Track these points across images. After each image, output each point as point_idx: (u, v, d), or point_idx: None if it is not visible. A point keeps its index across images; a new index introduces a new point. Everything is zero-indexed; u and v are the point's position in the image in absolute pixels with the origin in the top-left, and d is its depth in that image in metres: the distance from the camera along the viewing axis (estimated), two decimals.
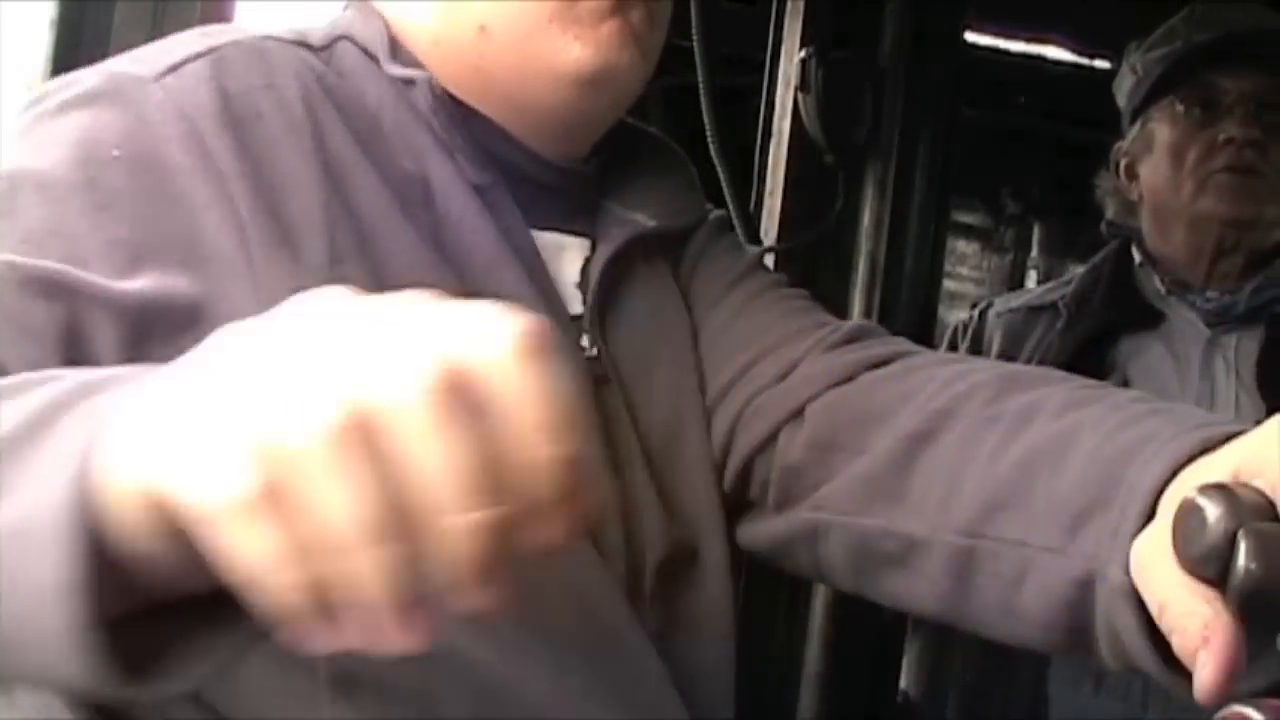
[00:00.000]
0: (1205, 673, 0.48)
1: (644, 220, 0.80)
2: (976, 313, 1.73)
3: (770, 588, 1.70)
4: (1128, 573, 0.55)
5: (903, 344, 0.81)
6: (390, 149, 0.69)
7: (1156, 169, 1.54)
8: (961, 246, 4.32)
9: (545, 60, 0.71)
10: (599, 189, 0.81)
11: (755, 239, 1.73)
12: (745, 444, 0.79)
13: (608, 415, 0.75)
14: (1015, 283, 4.31)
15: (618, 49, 0.72)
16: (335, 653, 0.60)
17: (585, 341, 0.75)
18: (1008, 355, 1.61)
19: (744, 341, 0.81)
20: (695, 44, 1.61)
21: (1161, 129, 1.53)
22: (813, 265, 1.76)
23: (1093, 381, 0.70)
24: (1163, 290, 1.54)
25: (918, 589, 0.70)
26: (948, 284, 4.14)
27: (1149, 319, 1.53)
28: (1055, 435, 0.64)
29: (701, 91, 1.64)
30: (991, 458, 0.66)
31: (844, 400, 0.76)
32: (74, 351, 0.56)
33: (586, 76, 0.72)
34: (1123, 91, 1.62)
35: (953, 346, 1.72)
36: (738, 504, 0.81)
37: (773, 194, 1.75)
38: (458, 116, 0.72)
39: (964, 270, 4.36)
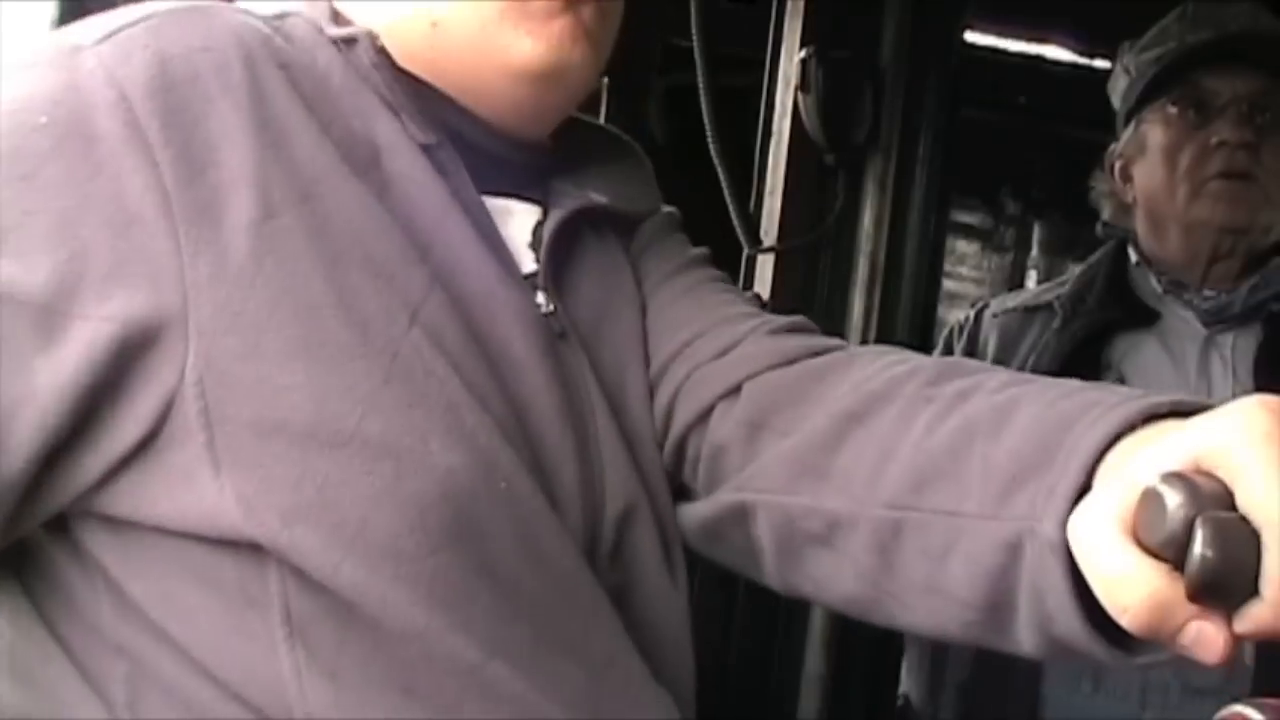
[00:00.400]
0: (1145, 603, 0.50)
1: (597, 196, 0.82)
2: (973, 313, 1.73)
3: (770, 589, 1.70)
4: (1062, 528, 0.55)
5: (842, 343, 0.82)
6: (338, 109, 0.69)
7: (1150, 172, 1.54)
8: (961, 246, 4.32)
9: (497, 55, 0.72)
10: (553, 169, 0.82)
11: (755, 239, 1.73)
12: (682, 418, 0.79)
13: (568, 369, 0.76)
14: (1015, 283, 4.31)
15: (569, 45, 0.73)
16: (284, 593, 0.62)
17: (541, 299, 0.76)
18: (1004, 355, 1.61)
19: (687, 319, 0.82)
20: (695, 44, 1.61)
21: (1154, 131, 1.53)
22: (813, 265, 1.77)
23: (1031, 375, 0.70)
24: (1159, 290, 1.54)
25: (840, 569, 0.70)
26: (948, 284, 4.15)
27: (1145, 318, 1.52)
28: (993, 407, 0.64)
29: (701, 91, 1.64)
30: (925, 432, 0.66)
31: (781, 382, 0.76)
32: None
33: (538, 71, 0.73)
34: (1117, 92, 1.62)
35: (948, 347, 1.72)
36: (673, 487, 0.82)
37: (773, 194, 1.75)
38: (402, 78, 0.72)
39: (964, 270, 4.37)
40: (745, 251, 1.73)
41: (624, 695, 0.72)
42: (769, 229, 1.74)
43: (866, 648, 1.76)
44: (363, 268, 0.65)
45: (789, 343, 0.79)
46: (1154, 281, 1.54)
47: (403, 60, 0.73)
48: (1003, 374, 0.68)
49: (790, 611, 1.74)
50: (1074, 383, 0.64)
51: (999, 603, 0.61)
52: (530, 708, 0.66)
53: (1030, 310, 1.64)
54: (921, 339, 1.82)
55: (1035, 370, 1.54)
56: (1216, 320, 1.49)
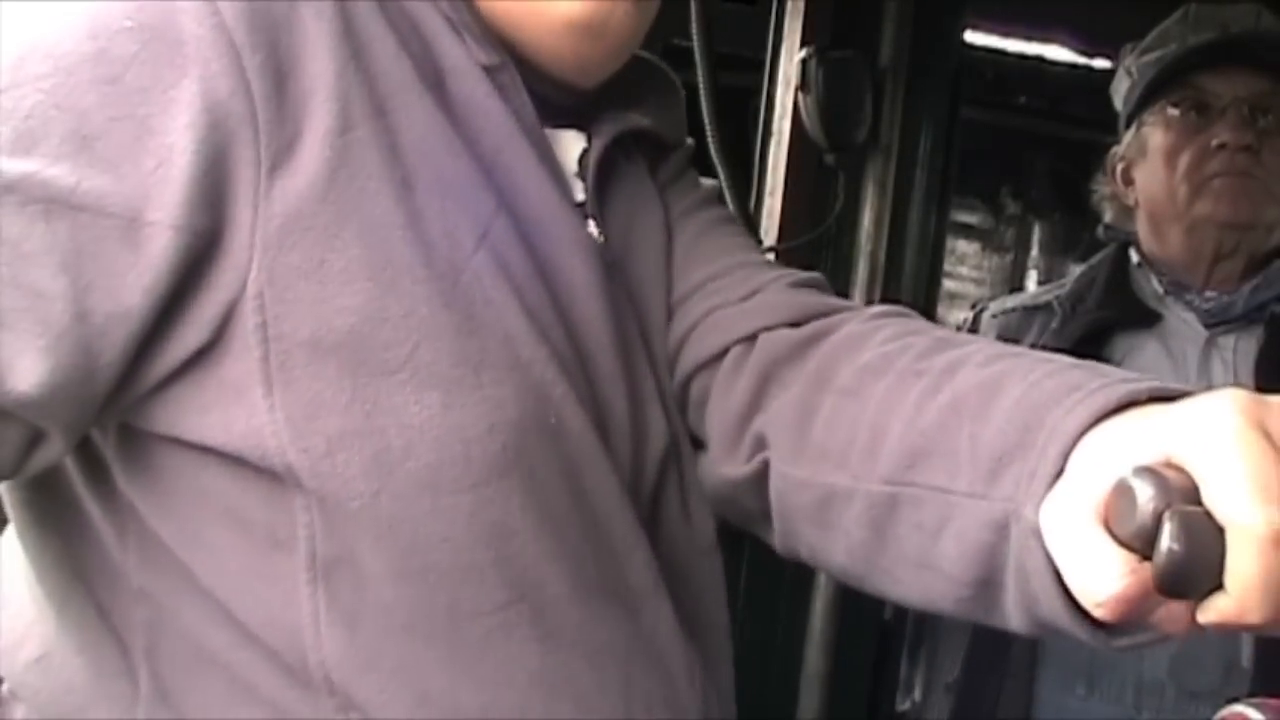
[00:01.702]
0: (1115, 595, 0.51)
1: (637, 118, 0.81)
2: (971, 315, 1.73)
3: (770, 588, 1.70)
4: (1040, 514, 0.56)
5: (856, 305, 0.82)
6: (412, 24, 0.69)
7: (1152, 174, 1.53)
8: (961, 246, 4.33)
9: (540, 8, 0.73)
10: (596, 98, 0.81)
11: (755, 239, 1.73)
12: (694, 355, 0.79)
13: (618, 301, 0.75)
14: (1015, 283, 4.31)
15: (607, 1, 0.73)
16: (312, 535, 0.62)
17: (593, 228, 0.76)
18: None
19: (710, 256, 0.82)
20: (695, 44, 1.61)
21: (1155, 134, 1.53)
22: (813, 265, 1.76)
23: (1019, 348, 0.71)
24: (1161, 291, 1.54)
25: (834, 543, 0.70)
26: (948, 284, 4.15)
27: (1145, 319, 1.52)
28: (980, 384, 0.64)
29: (701, 91, 1.64)
30: (916, 408, 0.66)
31: (794, 340, 0.76)
32: (78, 272, 0.57)
33: (579, 24, 0.73)
34: (1119, 94, 1.62)
35: None
36: None
37: (773, 194, 1.75)
38: (463, 2, 0.72)
39: (964, 270, 4.37)
40: None
41: (653, 637, 0.71)
42: (769, 229, 1.74)
43: (866, 648, 1.76)
44: (432, 187, 0.65)
45: (808, 299, 0.79)
46: (1155, 282, 1.54)
47: None
48: (989, 347, 0.69)
49: (790, 611, 1.75)
50: (1060, 359, 0.65)
51: (988, 580, 0.61)
52: (550, 654, 0.66)
53: (1030, 310, 1.64)
54: None
55: None
56: (1218, 321, 1.49)
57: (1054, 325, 1.58)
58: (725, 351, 0.78)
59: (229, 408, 0.61)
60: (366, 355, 0.61)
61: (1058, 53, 2.90)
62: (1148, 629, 0.54)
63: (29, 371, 0.56)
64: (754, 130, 1.80)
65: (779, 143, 1.75)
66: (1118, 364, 1.49)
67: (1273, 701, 0.50)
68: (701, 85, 1.64)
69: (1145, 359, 1.49)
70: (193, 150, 0.59)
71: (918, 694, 1.70)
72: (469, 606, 0.64)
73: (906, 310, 0.79)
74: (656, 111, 0.85)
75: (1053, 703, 1.46)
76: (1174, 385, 0.58)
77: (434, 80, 0.69)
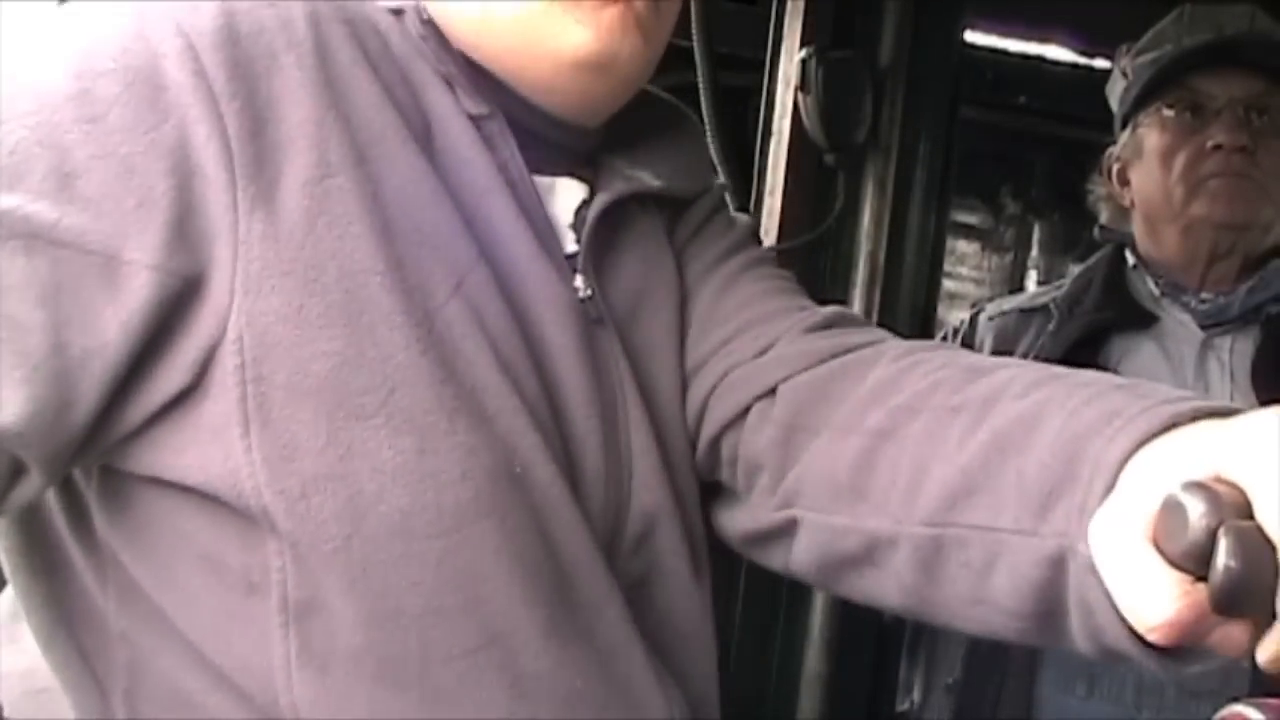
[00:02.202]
0: (1168, 620, 0.50)
1: (649, 179, 0.80)
2: (968, 317, 1.73)
3: (770, 588, 1.70)
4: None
5: (877, 333, 0.81)
6: (397, 72, 0.70)
7: (1147, 175, 1.53)
8: (961, 246, 4.32)
9: (547, 43, 0.72)
10: (605, 144, 0.81)
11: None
12: (718, 416, 0.79)
13: (602, 356, 0.75)
14: (1015, 283, 4.31)
15: (619, 35, 0.72)
16: (284, 580, 0.63)
17: (579, 282, 0.75)
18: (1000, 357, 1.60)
19: (726, 316, 0.82)
20: (695, 44, 1.62)
21: (1151, 135, 1.53)
22: (813, 265, 1.76)
23: (1057, 367, 0.70)
24: (1157, 293, 1.54)
25: (885, 584, 0.70)
26: (948, 284, 4.15)
27: (1142, 320, 1.52)
28: (1019, 417, 0.63)
29: (701, 91, 1.64)
30: (956, 447, 0.65)
31: (814, 383, 0.76)
32: (56, 306, 0.57)
33: (586, 60, 0.72)
34: (1114, 95, 1.62)
35: None
36: (706, 484, 0.82)
37: (773, 194, 1.75)
38: (451, 50, 0.72)
39: (964, 270, 4.37)
40: None
41: (626, 686, 0.72)
42: (769, 229, 1.74)
43: (866, 648, 1.76)
44: (410, 236, 0.65)
45: (823, 343, 0.78)
46: (1151, 284, 1.54)
47: (452, 42, 0.73)
48: (1024, 373, 0.68)
49: (790, 611, 1.74)
50: (1095, 382, 0.64)
51: (1048, 612, 0.61)
52: (518, 699, 0.66)
53: (1026, 313, 1.64)
54: (921, 339, 1.81)
55: None
56: (1214, 323, 1.49)
57: (1050, 327, 1.58)
58: (748, 409, 0.78)
59: (206, 448, 0.62)
60: (343, 399, 0.62)
61: (1058, 53, 2.90)
62: (1212, 655, 0.53)
63: (6, 401, 0.56)
64: (754, 130, 1.80)
65: (779, 143, 1.75)
66: (1114, 366, 1.48)
67: (1273, 701, 0.50)
68: (701, 85, 1.64)
69: (1142, 360, 1.49)
70: (171, 192, 0.59)
71: (917, 694, 1.70)
72: (440, 651, 0.65)
73: (932, 344, 0.78)
74: (671, 160, 0.83)
75: (1053, 703, 1.46)
76: (1216, 404, 0.57)
77: (420, 129, 0.69)
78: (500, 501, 0.65)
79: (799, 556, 0.75)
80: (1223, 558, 0.46)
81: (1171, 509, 0.49)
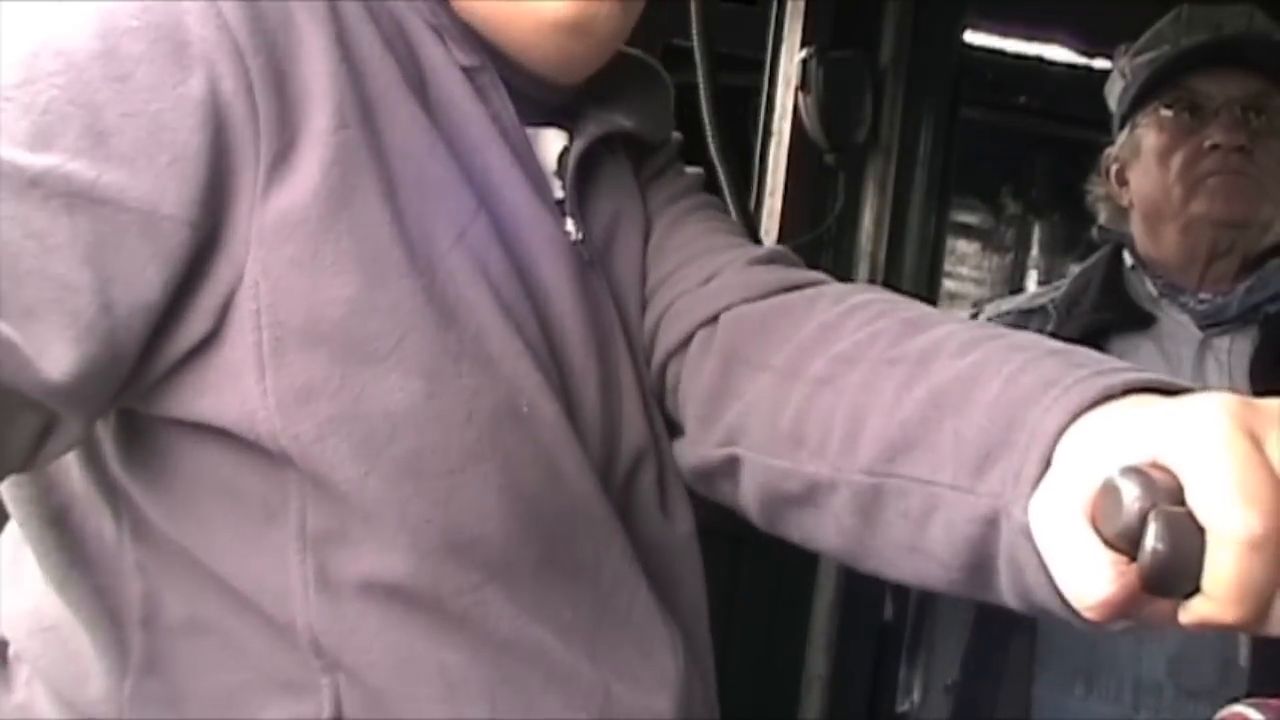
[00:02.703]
0: (1105, 599, 0.51)
1: (620, 120, 0.83)
2: (967, 318, 1.73)
3: (770, 588, 1.70)
4: (1028, 514, 0.57)
5: (816, 275, 0.83)
6: (394, 25, 0.71)
7: (1145, 175, 1.53)
8: (961, 246, 4.33)
9: (527, 9, 0.74)
10: (581, 95, 0.83)
11: (755, 239, 1.73)
12: (664, 344, 0.81)
13: (594, 296, 0.77)
14: (1015, 283, 4.32)
15: (594, 1, 0.74)
16: (303, 508, 0.64)
17: (570, 225, 0.77)
18: None
19: (674, 248, 0.84)
20: (695, 44, 1.62)
21: (1149, 135, 1.53)
22: (813, 265, 1.75)
23: (993, 325, 0.71)
24: (1155, 293, 1.54)
25: (824, 527, 0.72)
26: (948, 284, 4.15)
27: (1140, 321, 1.52)
28: (956, 377, 0.65)
29: (701, 91, 1.64)
30: (894, 400, 0.67)
31: (754, 315, 0.78)
32: (101, 264, 0.58)
33: (566, 24, 0.74)
34: (1113, 95, 1.62)
35: None
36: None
37: (773, 194, 1.75)
38: (445, 3, 0.74)
39: (964, 270, 4.38)
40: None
41: (628, 620, 0.73)
42: (769, 229, 1.74)
43: (867, 648, 1.77)
44: (413, 187, 0.67)
45: (766, 276, 0.81)
46: (1149, 284, 1.54)
47: None
48: (960, 331, 0.69)
49: (790, 612, 1.75)
50: (1031, 346, 0.65)
51: (979, 566, 0.63)
52: (524, 628, 0.69)
53: (1025, 313, 1.65)
54: None
55: None
56: (1212, 323, 1.49)
57: (1049, 328, 1.58)
58: (691, 336, 0.79)
59: (224, 392, 0.63)
60: (356, 344, 0.63)
61: (1058, 53, 2.90)
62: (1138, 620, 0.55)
63: (59, 360, 0.57)
64: (754, 130, 1.80)
65: (779, 143, 1.75)
66: None
67: (1273, 701, 0.51)
68: (701, 85, 1.64)
69: (1140, 361, 1.49)
70: (204, 146, 0.60)
71: (916, 695, 1.70)
72: (450, 585, 0.67)
73: (873, 288, 0.80)
74: (642, 109, 0.86)
75: (1051, 703, 1.46)
76: (1146, 372, 0.58)
77: (417, 82, 0.71)
78: (504, 441, 0.67)
79: (744, 494, 0.77)
80: (1151, 540, 0.48)
81: (1108, 491, 0.51)
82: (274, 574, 0.66)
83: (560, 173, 0.79)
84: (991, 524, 0.60)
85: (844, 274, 1.77)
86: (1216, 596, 0.48)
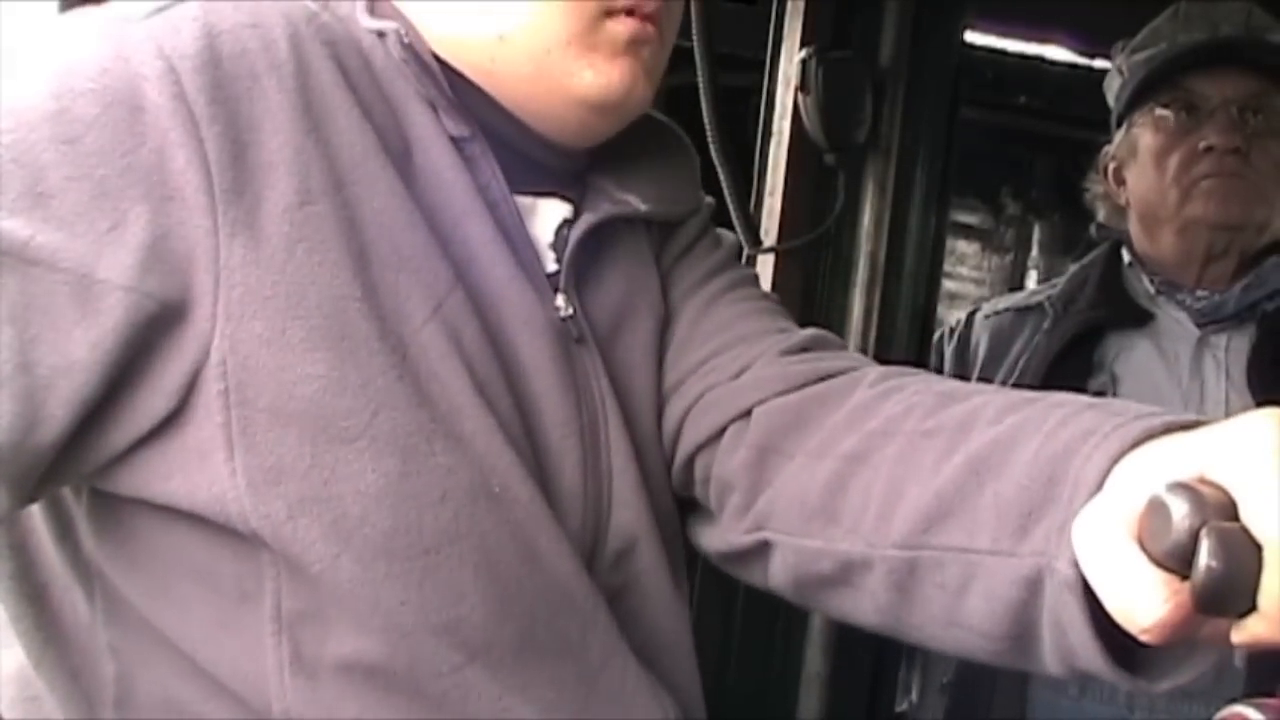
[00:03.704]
0: (1159, 622, 0.50)
1: (636, 202, 0.81)
2: (964, 317, 1.73)
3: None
4: (1075, 566, 0.55)
5: (854, 358, 0.82)
6: (379, 93, 0.70)
7: (1142, 175, 1.53)
8: (961, 246, 4.33)
9: (558, 80, 0.73)
10: (593, 164, 0.81)
11: (755, 239, 1.73)
12: (693, 436, 0.80)
13: (582, 375, 0.76)
14: (1015, 283, 4.31)
15: (629, 83, 0.73)
16: (278, 589, 0.63)
17: (560, 301, 0.76)
18: (995, 357, 1.61)
19: (705, 336, 0.83)
20: (695, 44, 1.61)
21: (1145, 134, 1.52)
22: (813, 265, 1.76)
23: (1029, 391, 0.70)
24: (1152, 291, 1.54)
25: (861, 604, 0.71)
26: (948, 284, 4.15)
27: (1137, 318, 1.52)
28: (994, 441, 0.64)
29: (701, 91, 1.64)
30: (931, 470, 0.66)
31: (788, 408, 0.77)
32: (25, 323, 0.57)
33: (596, 103, 0.74)
34: (1111, 92, 1.61)
35: (939, 351, 1.72)
36: (683, 501, 0.83)
37: (773, 194, 1.75)
38: (433, 71, 0.72)
39: (964, 270, 4.37)
40: (745, 251, 1.73)
41: (619, 696, 0.72)
42: (769, 229, 1.74)
43: (866, 648, 1.76)
44: (387, 261, 0.66)
45: (799, 367, 0.79)
46: (1147, 282, 1.54)
47: (459, 61, 0.74)
48: (997, 397, 0.68)
49: (790, 611, 1.74)
50: (1069, 403, 0.64)
51: (1021, 634, 0.61)
52: (505, 710, 0.67)
53: (1022, 311, 1.64)
54: (921, 339, 1.82)
55: (1026, 371, 1.54)
56: (1210, 321, 1.49)
57: (1045, 326, 1.58)
58: (723, 430, 0.79)
59: (192, 473, 0.62)
60: (327, 422, 0.62)
61: (1058, 53, 2.90)
62: (1187, 670, 0.55)
63: None
64: (754, 130, 1.80)
65: (779, 143, 1.75)
66: (1110, 364, 1.49)
67: (1272, 701, 0.50)
68: (701, 85, 1.63)
69: (1137, 358, 1.49)
70: (146, 215, 0.59)
71: (914, 695, 1.70)
72: (428, 667, 0.65)
73: (906, 370, 0.79)
74: (660, 180, 0.84)
75: (1046, 703, 1.46)
76: (1186, 417, 0.57)
77: (400, 150, 0.69)
78: (479, 521, 0.66)
79: (775, 575, 0.76)
80: (1204, 558, 0.47)
81: (1156, 509, 0.49)
82: (249, 657, 0.64)
83: (557, 245, 0.77)
84: (1034, 585, 0.59)
85: (844, 274, 1.77)
86: (1273, 615, 0.47)
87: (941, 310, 2.10)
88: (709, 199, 0.92)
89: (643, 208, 0.81)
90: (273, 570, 0.63)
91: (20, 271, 0.57)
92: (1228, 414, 0.53)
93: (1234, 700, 0.51)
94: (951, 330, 1.73)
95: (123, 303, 0.59)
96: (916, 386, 0.73)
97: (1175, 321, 1.51)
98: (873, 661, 1.78)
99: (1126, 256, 1.59)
